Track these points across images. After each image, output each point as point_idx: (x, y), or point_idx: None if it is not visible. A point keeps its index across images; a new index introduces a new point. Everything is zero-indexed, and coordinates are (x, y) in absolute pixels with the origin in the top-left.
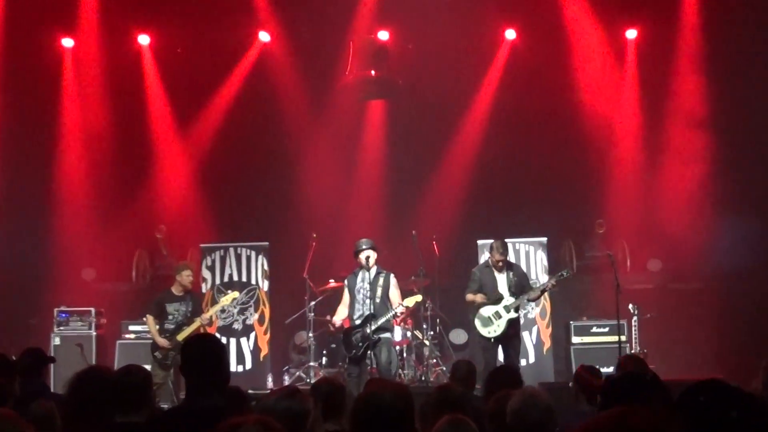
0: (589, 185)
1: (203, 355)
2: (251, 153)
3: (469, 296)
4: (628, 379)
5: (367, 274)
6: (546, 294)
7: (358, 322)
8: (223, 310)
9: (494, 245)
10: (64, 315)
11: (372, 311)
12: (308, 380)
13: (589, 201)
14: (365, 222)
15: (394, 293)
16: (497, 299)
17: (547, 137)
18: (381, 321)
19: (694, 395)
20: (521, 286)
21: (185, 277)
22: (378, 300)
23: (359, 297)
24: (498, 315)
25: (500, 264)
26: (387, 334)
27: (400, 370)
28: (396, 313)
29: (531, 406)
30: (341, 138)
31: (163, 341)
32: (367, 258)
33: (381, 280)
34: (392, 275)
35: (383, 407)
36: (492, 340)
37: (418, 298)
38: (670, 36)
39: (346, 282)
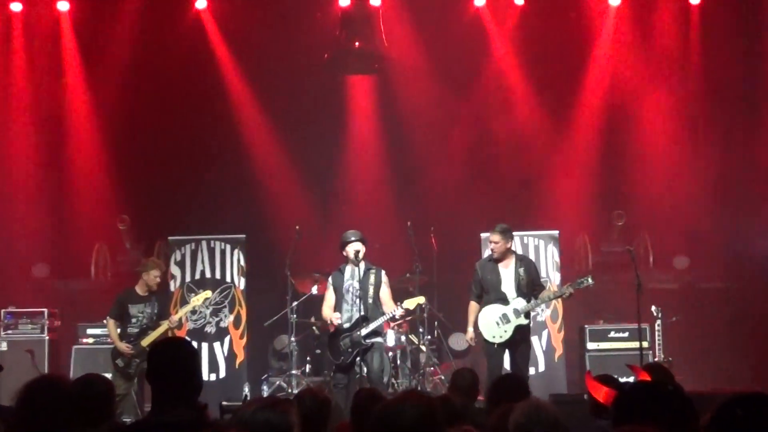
0: (606, 172)
1: (172, 361)
2: (226, 135)
3: (469, 307)
4: (645, 390)
5: (356, 270)
6: None
7: (346, 325)
8: (194, 312)
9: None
10: (11, 317)
11: (363, 313)
12: (290, 390)
13: (606, 189)
14: (353, 212)
15: (386, 292)
16: (501, 300)
17: (559, 118)
18: (374, 324)
19: (731, 408)
20: (531, 284)
21: (152, 277)
22: (370, 300)
23: (347, 297)
24: (506, 319)
25: (496, 252)
26: (379, 339)
27: (393, 379)
28: (395, 315)
29: (535, 421)
30: (325, 119)
31: (125, 347)
32: (356, 252)
33: (372, 278)
34: (383, 272)
35: (405, 427)
36: (495, 345)
37: (421, 299)
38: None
39: (330, 280)
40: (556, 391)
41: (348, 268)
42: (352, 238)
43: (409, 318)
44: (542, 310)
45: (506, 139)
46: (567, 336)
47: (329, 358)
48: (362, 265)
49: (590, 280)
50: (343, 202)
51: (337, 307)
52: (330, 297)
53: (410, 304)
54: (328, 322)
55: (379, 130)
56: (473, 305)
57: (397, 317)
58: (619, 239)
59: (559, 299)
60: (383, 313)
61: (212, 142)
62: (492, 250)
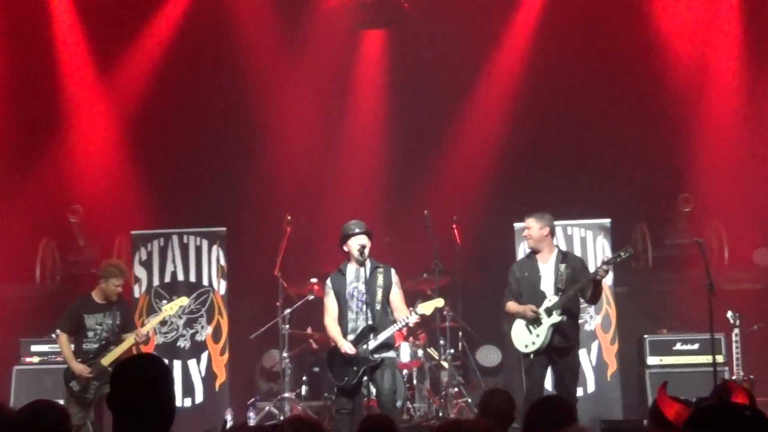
0: (669, 149)
1: (139, 384)
2: (200, 107)
3: (510, 306)
4: (719, 412)
5: (360, 270)
6: (609, 296)
7: (351, 338)
8: (164, 322)
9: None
10: None
11: (371, 321)
12: (281, 417)
13: (669, 170)
14: (358, 199)
15: (397, 295)
16: (538, 301)
17: (611, 85)
18: (384, 335)
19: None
20: (574, 281)
21: (112, 287)
22: (378, 306)
23: (352, 303)
24: (537, 322)
25: (531, 241)
26: (390, 353)
27: (408, 402)
28: (408, 323)
29: None
30: (325, 84)
31: (81, 367)
32: (361, 247)
33: (380, 279)
34: (393, 271)
35: None
36: (531, 356)
37: (439, 302)
38: None
39: (329, 283)
40: (608, 417)
41: (350, 268)
42: (356, 230)
43: (423, 327)
44: (591, 317)
45: (546, 110)
46: (622, 349)
47: (330, 378)
48: (368, 263)
49: (626, 252)
50: (346, 187)
51: (341, 317)
52: (331, 305)
53: (426, 308)
54: (339, 347)
55: (390, 98)
56: (511, 303)
57: (411, 325)
58: (686, 229)
59: (612, 304)
60: (394, 321)
61: (184, 113)
62: (525, 238)
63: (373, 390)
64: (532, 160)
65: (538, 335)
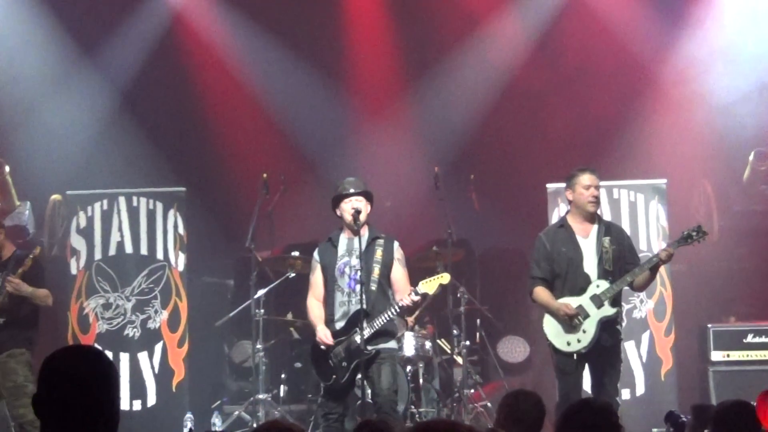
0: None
1: (72, 383)
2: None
3: (540, 294)
4: None
5: (355, 241)
6: (665, 276)
7: (340, 324)
8: (107, 305)
9: (569, 179)
10: None
11: (365, 305)
12: (254, 424)
13: (739, 117)
14: (351, 153)
15: (400, 274)
16: (582, 287)
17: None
18: (380, 321)
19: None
20: (621, 259)
21: None
22: (374, 286)
23: (342, 281)
24: (583, 313)
25: (598, 203)
26: (391, 344)
27: (413, 405)
28: (404, 303)
29: None
30: (314, 11)
31: None
32: (356, 212)
33: (378, 252)
34: (396, 243)
35: None
36: (574, 356)
37: (444, 278)
38: None
39: (316, 255)
40: (662, 427)
41: (343, 238)
42: (351, 190)
43: (430, 313)
44: (641, 301)
45: (586, 41)
46: (680, 342)
47: (314, 376)
48: (365, 232)
49: (697, 234)
50: (336, 139)
51: (328, 298)
52: (317, 282)
53: (429, 286)
54: (317, 332)
55: (392, 31)
56: (541, 290)
57: (407, 305)
58: (763, 194)
59: (668, 286)
60: (393, 306)
61: (131, 45)
62: (588, 202)
63: (369, 389)
64: (568, 106)
65: (584, 331)
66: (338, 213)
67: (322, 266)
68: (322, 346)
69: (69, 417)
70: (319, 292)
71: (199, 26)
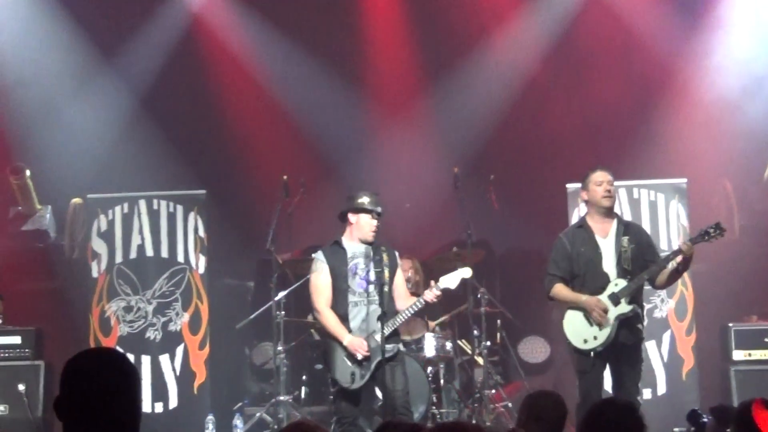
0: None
1: (95, 387)
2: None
3: (560, 291)
4: None
5: (362, 246)
6: (687, 276)
7: (355, 324)
8: (129, 309)
9: (582, 180)
10: None
11: (380, 306)
12: (276, 426)
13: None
14: (370, 155)
15: (401, 280)
16: (601, 286)
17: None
18: (402, 317)
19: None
20: (640, 258)
21: None
22: (386, 287)
23: (354, 283)
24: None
25: (613, 198)
26: (401, 345)
27: (434, 406)
28: (427, 300)
29: None
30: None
31: None
32: (374, 229)
33: (385, 257)
34: (397, 253)
35: None
36: (592, 355)
37: (466, 272)
38: None
39: (321, 256)
40: (684, 427)
41: (349, 242)
42: (378, 209)
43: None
44: (662, 301)
45: (604, 39)
46: (701, 341)
47: (332, 379)
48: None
49: (715, 230)
50: (355, 141)
51: (338, 301)
52: (324, 285)
53: (450, 280)
54: (348, 346)
55: (410, 29)
56: (561, 287)
57: (430, 301)
58: None
59: (689, 285)
60: (396, 312)
61: (151, 48)
62: (605, 196)
63: (385, 391)
64: (588, 105)
65: (602, 329)
66: (352, 219)
67: (330, 268)
68: (359, 356)
69: (90, 419)
70: (328, 294)
71: (219, 29)
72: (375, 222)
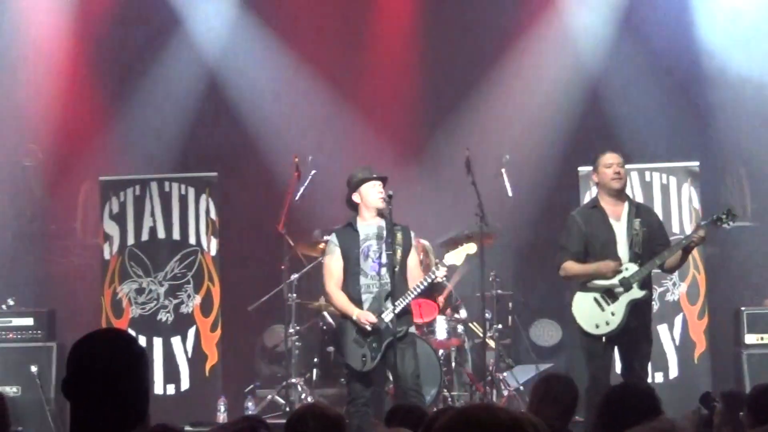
0: None
1: (103, 368)
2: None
3: (568, 266)
4: None
5: (375, 226)
6: (698, 259)
7: (366, 307)
8: (141, 290)
9: (593, 163)
10: None
11: (390, 288)
12: (288, 409)
13: None
14: (382, 137)
15: (415, 261)
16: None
17: None
18: (410, 297)
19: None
20: (653, 243)
21: None
22: (397, 268)
23: (366, 266)
24: (611, 295)
25: (623, 180)
26: (412, 328)
27: (445, 389)
28: (436, 278)
29: None
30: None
31: None
32: (386, 197)
33: (399, 236)
34: (413, 233)
35: None
36: (603, 339)
37: (470, 248)
38: None
39: (334, 239)
40: (697, 408)
41: (362, 224)
42: (364, 174)
43: (460, 295)
44: (674, 284)
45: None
46: (713, 324)
47: (343, 362)
48: (381, 220)
49: (727, 217)
50: (366, 123)
51: (349, 282)
52: (336, 266)
53: (455, 257)
54: (357, 319)
55: (422, 17)
56: (572, 263)
57: (438, 280)
58: None
59: (702, 269)
60: (426, 278)
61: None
62: (614, 178)
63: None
64: (599, 90)
65: (613, 313)
66: (357, 199)
67: (342, 250)
68: (368, 327)
69: (99, 400)
70: (339, 276)
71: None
72: (379, 185)
